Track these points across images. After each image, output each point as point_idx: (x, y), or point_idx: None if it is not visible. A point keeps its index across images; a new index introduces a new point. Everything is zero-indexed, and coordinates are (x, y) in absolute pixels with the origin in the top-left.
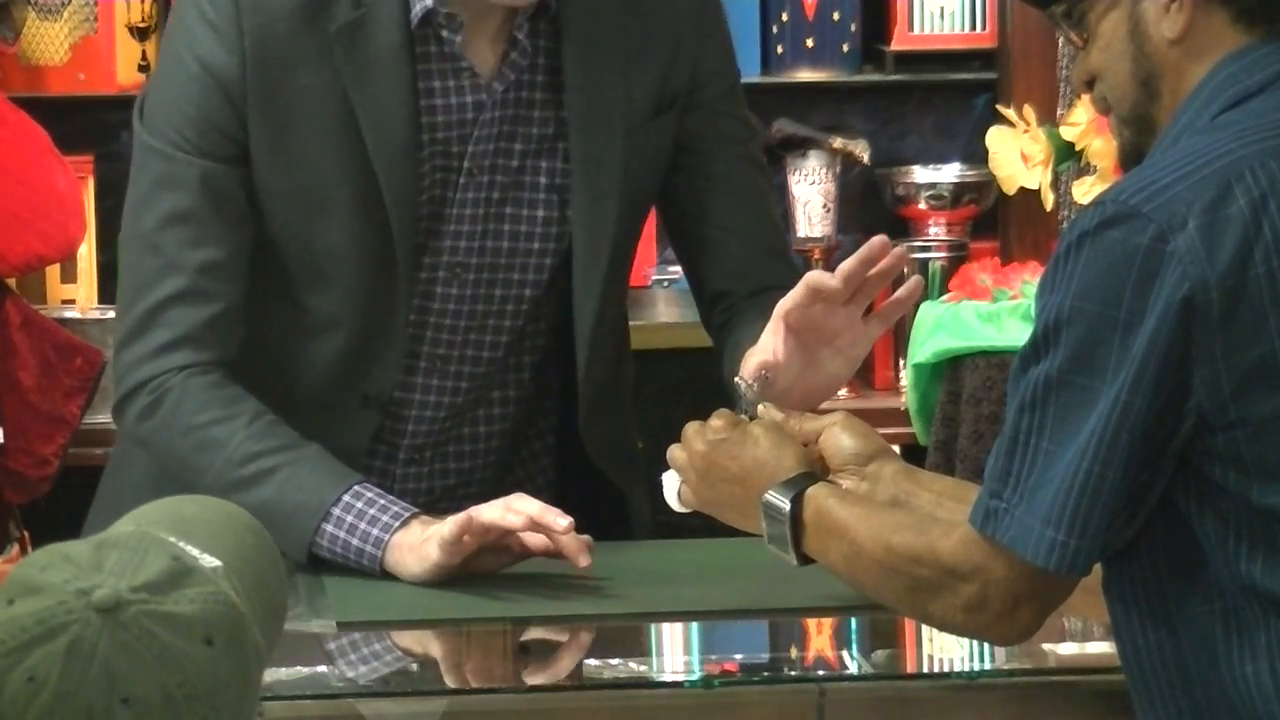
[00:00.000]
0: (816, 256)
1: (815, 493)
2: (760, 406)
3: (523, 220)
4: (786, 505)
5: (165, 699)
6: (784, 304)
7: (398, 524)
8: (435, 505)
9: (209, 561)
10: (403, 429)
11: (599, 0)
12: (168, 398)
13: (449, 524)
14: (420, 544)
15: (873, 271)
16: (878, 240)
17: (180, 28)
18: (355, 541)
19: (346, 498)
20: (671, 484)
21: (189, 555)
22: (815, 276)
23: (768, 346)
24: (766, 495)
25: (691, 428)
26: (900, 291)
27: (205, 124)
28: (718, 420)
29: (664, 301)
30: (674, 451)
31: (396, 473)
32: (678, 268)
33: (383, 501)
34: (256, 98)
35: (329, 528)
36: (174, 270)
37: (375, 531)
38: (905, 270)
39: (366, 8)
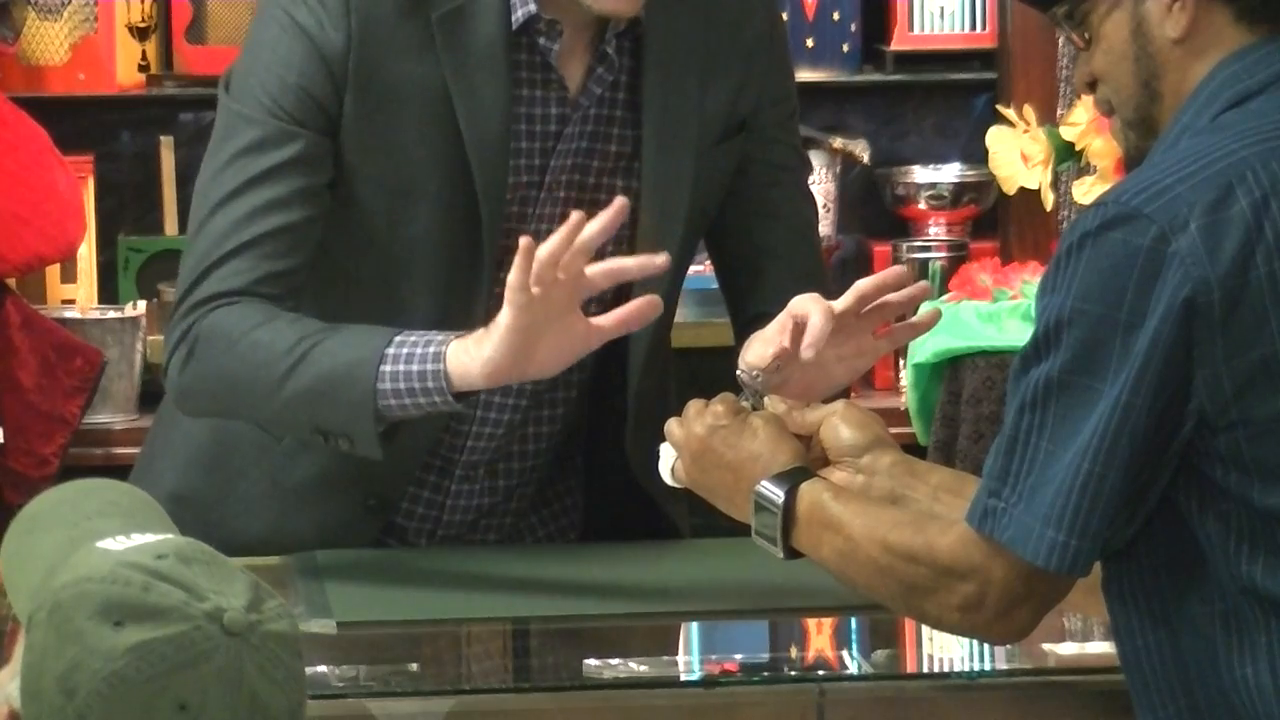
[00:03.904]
0: None
1: (810, 487)
2: (766, 399)
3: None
4: (780, 497)
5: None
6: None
7: (453, 337)
8: (480, 524)
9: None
10: (460, 444)
11: (680, 19)
12: (203, 333)
13: (512, 270)
14: (487, 330)
15: (891, 298)
16: (894, 270)
17: (283, 3)
18: (415, 367)
19: (397, 339)
20: (667, 458)
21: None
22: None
23: (773, 337)
24: (759, 486)
25: (694, 407)
26: (915, 319)
27: (304, 93)
28: (720, 405)
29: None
30: (672, 427)
31: (450, 489)
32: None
33: (432, 334)
34: (357, 78)
35: (388, 368)
36: (232, 235)
37: (432, 350)
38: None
39: None
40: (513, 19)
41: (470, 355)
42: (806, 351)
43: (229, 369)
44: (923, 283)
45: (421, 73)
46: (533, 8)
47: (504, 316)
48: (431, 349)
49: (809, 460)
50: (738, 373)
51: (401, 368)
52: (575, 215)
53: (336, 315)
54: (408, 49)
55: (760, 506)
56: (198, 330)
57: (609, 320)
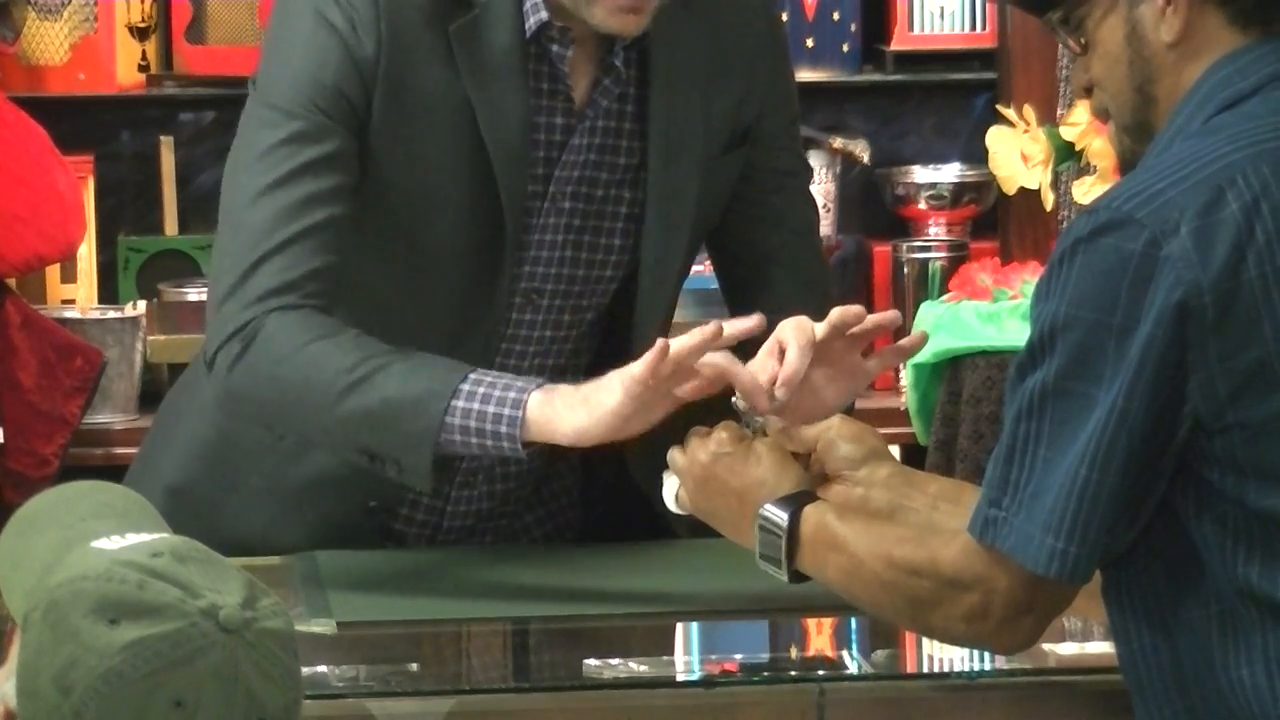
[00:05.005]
0: None
1: (814, 509)
2: (766, 423)
3: (599, 249)
4: (784, 520)
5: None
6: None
7: (534, 386)
8: (478, 528)
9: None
10: None
11: (683, 30)
12: (260, 334)
13: (639, 364)
14: (590, 393)
15: (858, 329)
16: (853, 309)
17: (314, 3)
18: (491, 409)
19: (473, 376)
20: (670, 486)
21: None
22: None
23: (764, 362)
24: (764, 509)
25: (697, 435)
26: (904, 341)
27: (338, 93)
28: (723, 433)
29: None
30: (675, 455)
31: (451, 494)
32: None
33: (510, 378)
34: (386, 85)
35: (460, 403)
36: (281, 226)
37: (512, 395)
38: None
39: (480, 8)
40: (525, 26)
41: (558, 414)
42: (779, 391)
43: (283, 376)
44: (893, 312)
45: (444, 81)
46: (544, 15)
47: (611, 399)
48: (511, 394)
49: (811, 481)
50: (733, 400)
51: (476, 406)
52: (713, 324)
53: (351, 320)
54: (431, 58)
55: (765, 530)
56: (255, 329)
57: (686, 390)
